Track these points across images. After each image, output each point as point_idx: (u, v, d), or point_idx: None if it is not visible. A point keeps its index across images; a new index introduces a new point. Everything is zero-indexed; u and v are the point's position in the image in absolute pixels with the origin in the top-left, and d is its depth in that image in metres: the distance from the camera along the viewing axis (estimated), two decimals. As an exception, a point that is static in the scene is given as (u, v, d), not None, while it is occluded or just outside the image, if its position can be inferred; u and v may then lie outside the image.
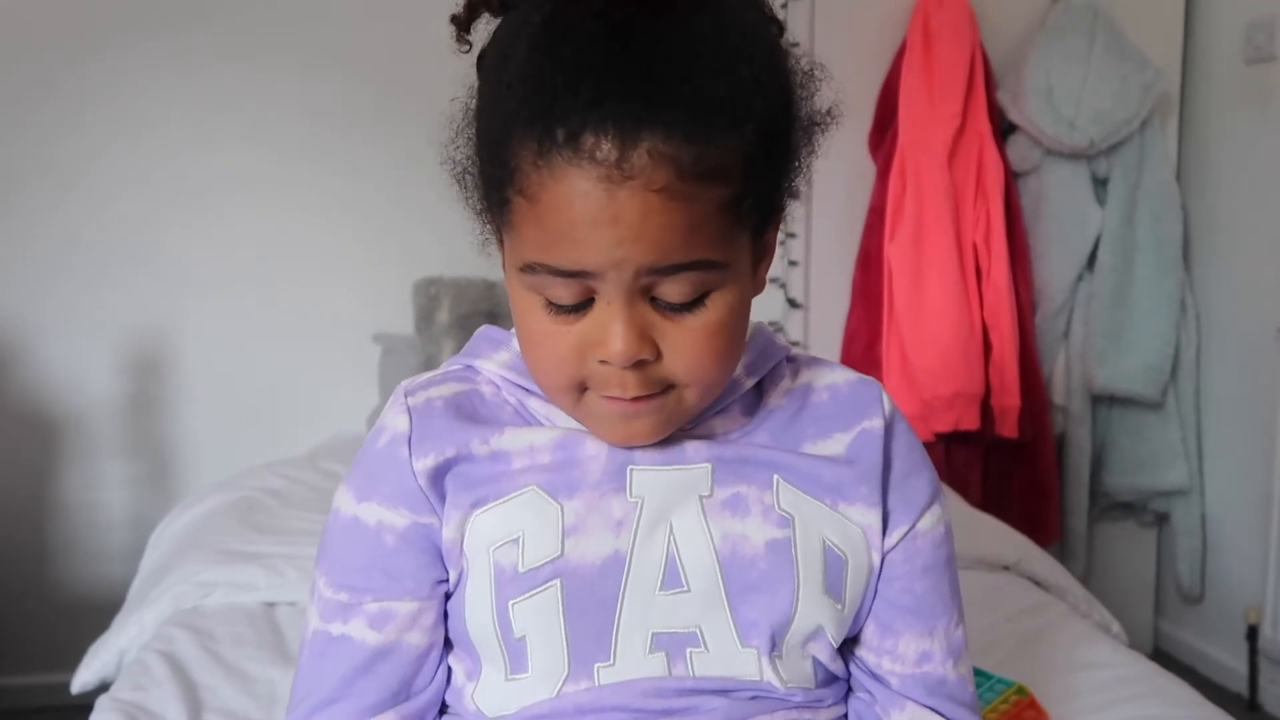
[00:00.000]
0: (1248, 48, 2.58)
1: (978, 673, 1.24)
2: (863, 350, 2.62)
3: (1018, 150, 2.65)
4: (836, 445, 0.81)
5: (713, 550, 0.76)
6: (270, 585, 1.57)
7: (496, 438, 0.77)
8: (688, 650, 0.76)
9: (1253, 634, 2.52)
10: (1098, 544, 2.86)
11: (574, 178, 0.63)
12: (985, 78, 2.58)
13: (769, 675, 0.77)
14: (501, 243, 0.74)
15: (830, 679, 0.83)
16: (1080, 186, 2.65)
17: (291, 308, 2.60)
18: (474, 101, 0.73)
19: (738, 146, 0.65)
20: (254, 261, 2.58)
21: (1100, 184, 2.68)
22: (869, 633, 0.83)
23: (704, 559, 0.76)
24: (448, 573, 0.78)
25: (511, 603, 0.75)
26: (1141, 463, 2.74)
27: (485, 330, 0.85)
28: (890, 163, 2.56)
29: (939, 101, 2.52)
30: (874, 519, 0.80)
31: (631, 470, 0.76)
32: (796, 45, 0.71)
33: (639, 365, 0.69)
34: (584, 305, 0.68)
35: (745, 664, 0.77)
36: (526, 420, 0.79)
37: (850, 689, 0.86)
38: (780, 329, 2.71)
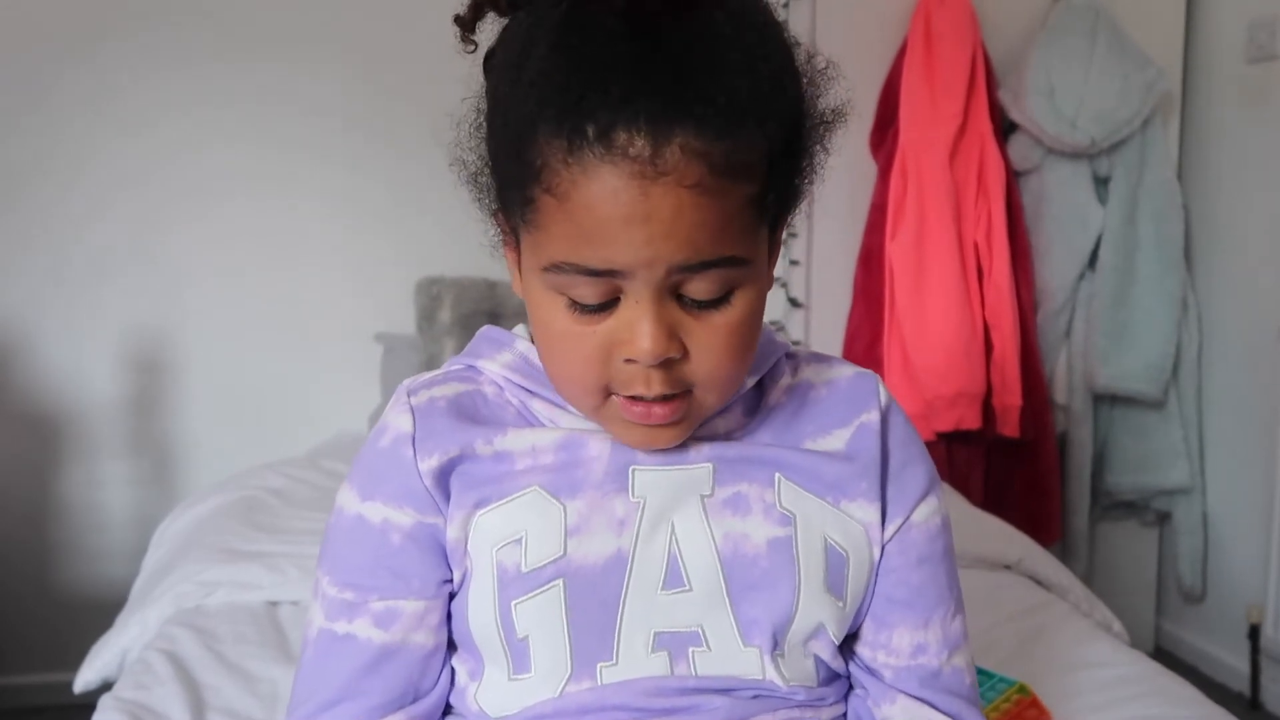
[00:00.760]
0: (1249, 47, 2.58)
1: (979, 671, 1.24)
2: (864, 349, 2.62)
3: (1019, 149, 2.65)
4: (836, 441, 0.81)
5: (714, 549, 0.77)
6: (273, 584, 1.58)
7: (500, 438, 0.77)
8: (690, 649, 0.76)
9: (1254, 633, 2.52)
10: (1099, 543, 2.86)
11: (607, 175, 0.63)
12: (986, 77, 2.58)
13: (771, 674, 0.77)
14: (517, 244, 0.73)
15: (832, 677, 0.83)
16: (1082, 186, 2.65)
17: (293, 307, 2.60)
18: (485, 102, 0.73)
19: (763, 143, 0.66)
20: (255, 261, 2.58)
21: (1102, 183, 2.68)
22: (864, 627, 0.83)
23: (706, 558, 0.76)
24: (452, 572, 0.78)
25: (514, 603, 0.75)
26: (1143, 462, 2.74)
27: (487, 331, 0.84)
28: (891, 162, 2.56)
29: (940, 101, 2.52)
30: (875, 514, 0.80)
31: (634, 470, 0.76)
32: (799, 44, 0.71)
33: (665, 363, 0.68)
34: (609, 305, 0.68)
35: (747, 663, 0.77)
36: (529, 421, 0.79)
37: (851, 687, 0.86)
38: (782, 328, 2.71)
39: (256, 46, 2.54)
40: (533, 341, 0.82)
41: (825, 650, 0.80)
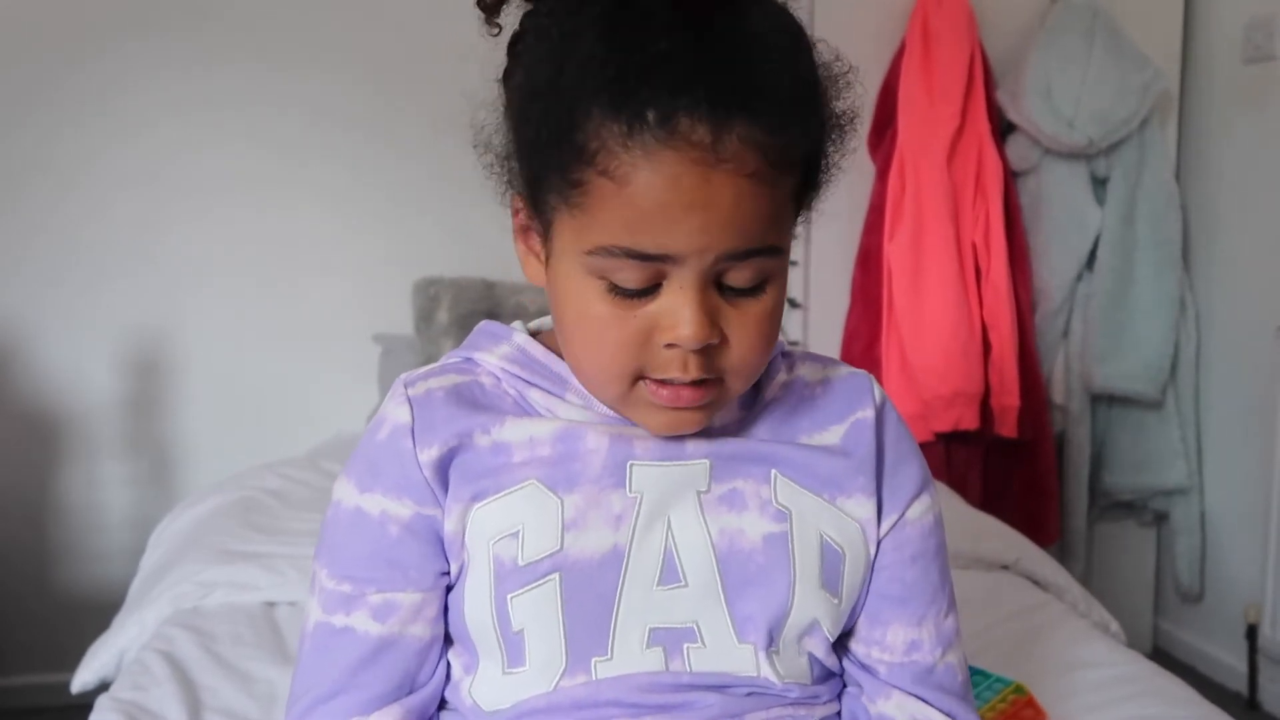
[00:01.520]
0: (1247, 47, 2.58)
1: (976, 671, 1.24)
2: (862, 350, 2.62)
3: (1017, 150, 2.65)
4: (832, 437, 0.82)
5: (710, 545, 0.77)
6: (270, 585, 1.58)
7: (497, 428, 0.77)
8: (685, 645, 0.77)
9: (1252, 633, 2.52)
10: (1097, 543, 2.86)
11: (669, 161, 0.64)
12: (984, 77, 2.58)
13: (766, 671, 0.77)
14: (544, 231, 0.72)
15: (826, 675, 0.83)
16: (1079, 186, 2.65)
17: (291, 307, 2.60)
18: (515, 89, 0.72)
19: (805, 139, 0.68)
20: (254, 261, 2.58)
21: (1099, 183, 2.69)
22: (859, 624, 0.84)
23: (701, 554, 0.77)
24: (449, 565, 0.78)
25: (510, 596, 0.75)
26: (1141, 462, 2.74)
27: (485, 325, 0.84)
28: (890, 162, 2.56)
29: (938, 101, 2.52)
30: (870, 511, 0.81)
31: (631, 465, 0.77)
32: (820, 43, 0.73)
33: (703, 349, 0.69)
34: (651, 290, 0.68)
35: (742, 659, 0.77)
36: (526, 411, 0.79)
37: (845, 685, 0.86)
38: (780, 329, 2.71)
39: (255, 48, 2.54)
40: (534, 335, 0.83)
41: (819, 648, 0.80)
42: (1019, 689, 1.22)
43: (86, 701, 1.35)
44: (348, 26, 2.58)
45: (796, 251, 2.65)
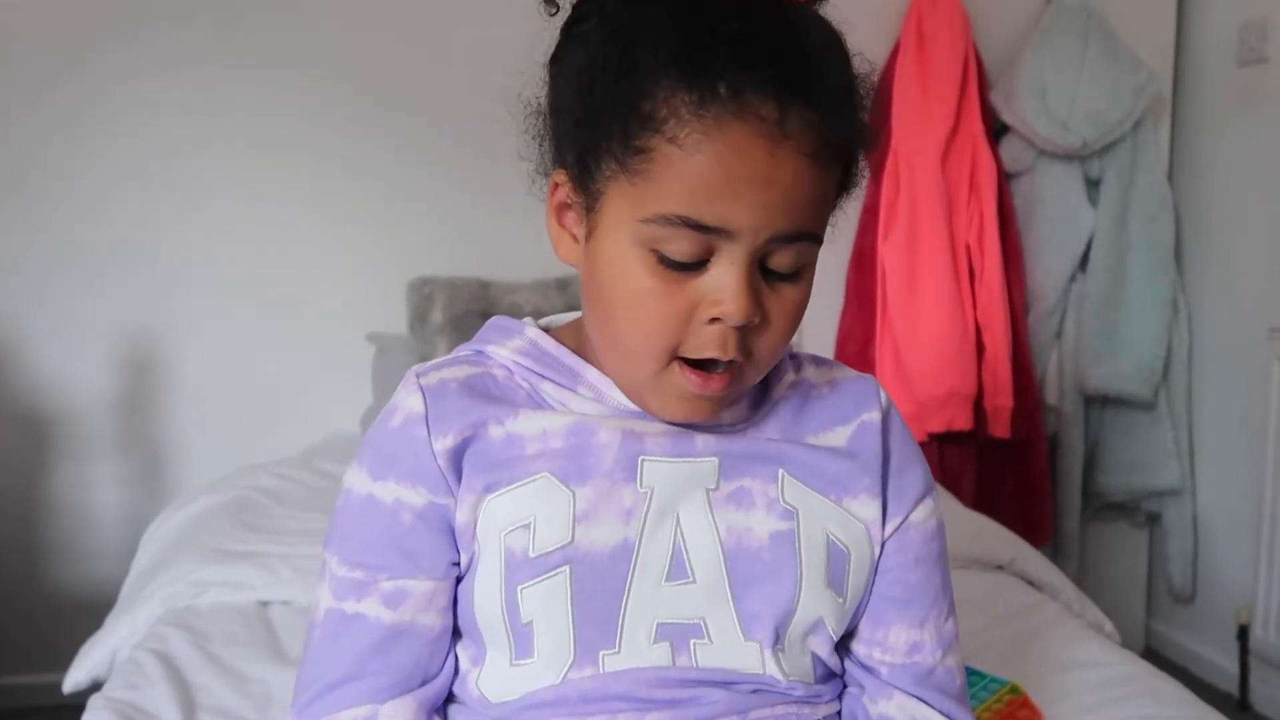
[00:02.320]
0: (1240, 49, 2.59)
1: (971, 672, 1.24)
2: (857, 350, 2.63)
3: (1011, 151, 2.66)
4: (838, 438, 0.83)
5: (718, 542, 0.77)
6: (264, 584, 1.57)
7: (511, 420, 0.77)
8: (691, 641, 0.77)
9: (1244, 634, 2.52)
10: (1090, 544, 2.87)
11: (738, 131, 0.66)
12: (979, 78, 2.58)
13: (771, 668, 0.78)
14: (595, 200, 0.72)
15: (828, 675, 0.84)
16: (1073, 187, 2.66)
17: (285, 307, 2.60)
18: (571, 64, 0.73)
19: (853, 131, 0.71)
20: (247, 261, 2.57)
21: (1093, 185, 2.69)
22: (861, 625, 0.84)
23: (709, 551, 0.77)
24: (460, 555, 0.78)
25: (521, 588, 0.75)
26: (1134, 463, 2.75)
27: (496, 320, 0.85)
28: (884, 163, 2.57)
29: (932, 102, 2.53)
30: (876, 512, 0.82)
31: (643, 460, 0.77)
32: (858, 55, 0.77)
33: (743, 327, 0.70)
34: (700, 265, 0.70)
35: (748, 656, 0.78)
36: (539, 404, 0.80)
37: (845, 686, 0.87)
38: None
39: (250, 51, 2.53)
40: (546, 330, 0.84)
41: (823, 647, 0.81)
42: (1014, 689, 1.22)
43: (78, 701, 1.34)
44: (343, 29, 2.57)
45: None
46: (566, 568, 0.75)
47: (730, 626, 0.77)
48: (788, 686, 0.78)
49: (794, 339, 0.87)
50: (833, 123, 0.68)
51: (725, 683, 0.77)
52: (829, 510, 0.80)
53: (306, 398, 2.61)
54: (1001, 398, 2.55)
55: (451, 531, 0.78)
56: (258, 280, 2.58)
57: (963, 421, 2.53)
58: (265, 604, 1.57)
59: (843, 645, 0.85)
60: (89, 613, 2.10)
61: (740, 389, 0.75)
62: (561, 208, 0.77)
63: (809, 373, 0.86)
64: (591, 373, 0.80)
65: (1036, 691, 1.25)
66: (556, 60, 0.76)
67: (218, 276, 2.56)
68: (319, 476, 2.06)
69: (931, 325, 2.52)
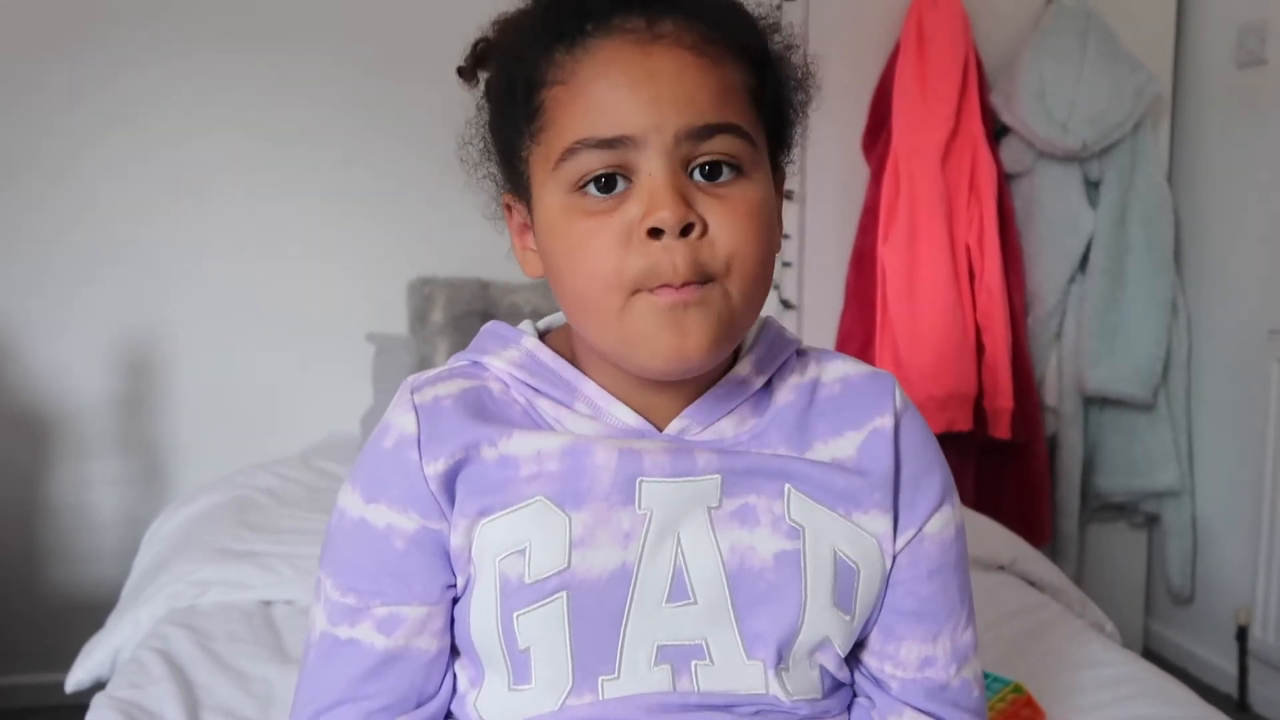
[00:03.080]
0: (1239, 51, 2.60)
1: (975, 671, 1.24)
2: (856, 351, 2.63)
3: (1010, 152, 2.66)
4: (848, 445, 0.79)
5: (720, 562, 0.75)
6: (266, 583, 1.57)
7: (505, 440, 0.76)
8: (693, 663, 0.75)
9: (1243, 635, 2.53)
10: (1089, 545, 2.87)
11: (608, 47, 0.68)
12: (978, 80, 2.59)
13: (774, 689, 0.76)
14: (527, 191, 0.75)
15: (836, 687, 0.82)
16: (1072, 189, 2.66)
17: (285, 307, 2.59)
18: (485, 89, 0.78)
19: (748, 42, 0.72)
20: (247, 259, 2.57)
21: (1092, 186, 2.70)
22: (872, 637, 0.82)
23: (711, 571, 0.75)
24: (455, 578, 0.77)
25: (517, 614, 0.74)
26: (1133, 464, 2.75)
27: (493, 326, 0.83)
28: (884, 164, 2.57)
29: (932, 103, 2.53)
30: (887, 525, 0.79)
31: (641, 482, 0.75)
32: None
33: (688, 234, 0.68)
34: (623, 189, 0.69)
35: (751, 677, 0.76)
36: (535, 422, 0.78)
37: (855, 695, 0.85)
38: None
39: (249, 43, 2.53)
40: (540, 338, 0.82)
41: (831, 661, 0.79)
42: (1018, 688, 1.23)
43: (79, 701, 1.34)
44: (343, 22, 2.57)
45: (791, 253, 2.68)
46: (563, 594, 0.74)
47: (732, 647, 0.76)
48: (791, 706, 0.77)
49: (797, 337, 0.86)
50: (710, 20, 0.69)
51: (726, 706, 0.76)
52: (838, 525, 0.77)
53: (306, 398, 2.61)
54: (1001, 399, 2.55)
55: (446, 555, 0.76)
56: (257, 279, 2.58)
57: (963, 423, 2.53)
58: (268, 603, 1.57)
59: (853, 656, 0.84)
60: (88, 613, 2.10)
61: (727, 311, 0.70)
62: (521, 229, 0.78)
63: (817, 370, 0.83)
64: (589, 386, 0.78)
65: (1040, 691, 1.25)
66: (481, 107, 0.79)
67: (217, 276, 2.56)
68: (319, 476, 2.06)
69: (931, 326, 2.52)
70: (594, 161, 0.68)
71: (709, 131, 0.68)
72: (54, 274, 2.48)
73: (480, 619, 0.76)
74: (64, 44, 2.45)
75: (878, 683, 0.83)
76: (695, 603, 0.75)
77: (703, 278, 0.69)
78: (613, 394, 0.78)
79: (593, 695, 0.74)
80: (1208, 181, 2.73)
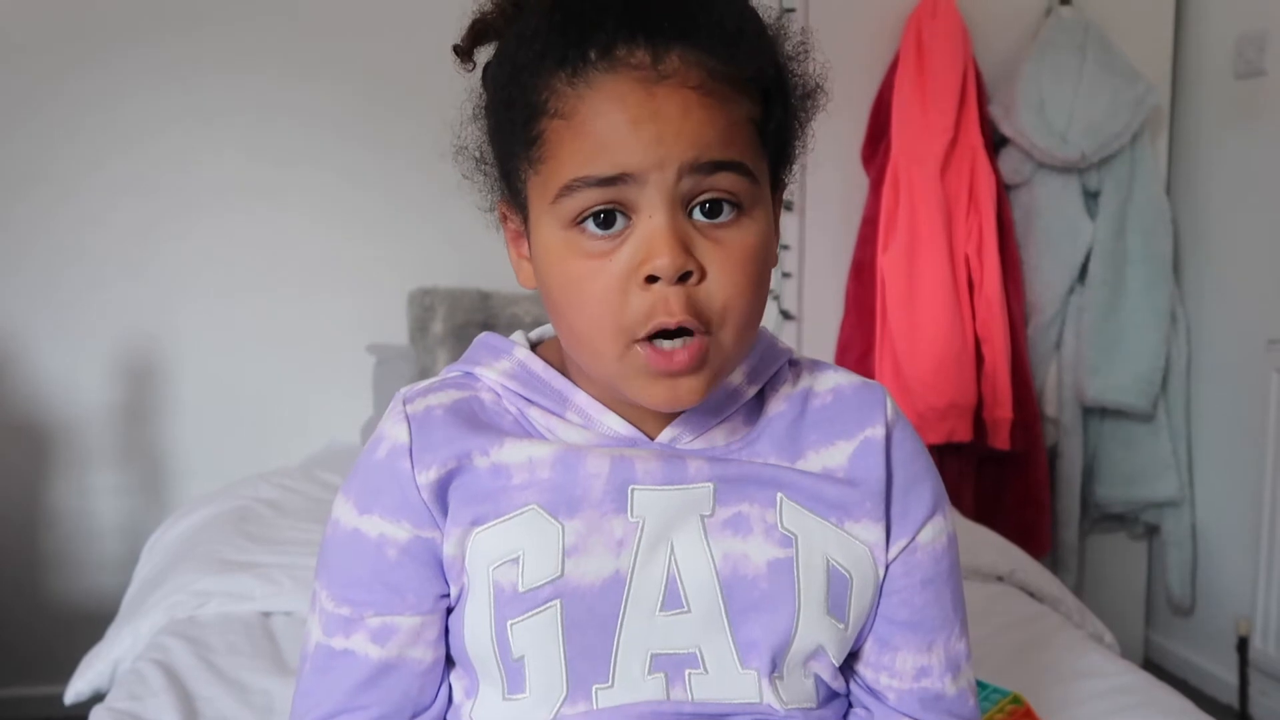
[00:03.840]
0: (1238, 62, 2.60)
1: (974, 682, 1.24)
2: (856, 361, 2.63)
3: (1010, 163, 2.67)
4: (839, 455, 0.79)
5: (713, 570, 0.75)
6: (266, 595, 1.57)
7: (496, 449, 0.76)
8: (686, 672, 0.75)
9: (1243, 645, 2.52)
10: (1089, 555, 2.87)
11: (611, 84, 0.66)
12: (978, 91, 2.59)
13: (769, 697, 0.76)
14: (524, 219, 0.74)
15: (831, 696, 0.82)
16: (1071, 199, 2.67)
17: (286, 317, 2.60)
18: (485, 104, 0.76)
19: (757, 72, 0.69)
20: (248, 271, 2.58)
21: (1091, 197, 2.70)
22: (867, 648, 0.82)
23: (705, 579, 0.75)
24: (449, 587, 0.77)
25: (510, 623, 0.74)
26: (1132, 474, 2.75)
27: (485, 338, 0.83)
28: (883, 175, 2.57)
29: (932, 114, 2.54)
30: (879, 535, 0.79)
31: (633, 490, 0.75)
32: (793, 10, 0.76)
33: (684, 282, 0.68)
34: (622, 229, 0.68)
35: (745, 686, 0.76)
36: (527, 431, 0.78)
37: (850, 705, 0.85)
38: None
39: (252, 59, 2.54)
40: (532, 349, 0.82)
41: (825, 670, 0.79)
42: (1016, 699, 1.23)
43: (79, 713, 1.34)
44: (345, 37, 2.58)
45: (790, 264, 2.68)
46: (557, 602, 0.74)
47: (726, 655, 0.76)
48: (785, 715, 0.77)
49: (790, 347, 0.86)
50: (721, 54, 0.67)
51: (721, 715, 0.76)
52: (830, 534, 0.77)
53: (307, 408, 2.61)
54: (1001, 409, 2.56)
55: (439, 565, 0.77)
56: (258, 290, 2.58)
57: (962, 433, 2.53)
58: (267, 615, 1.57)
59: (848, 666, 0.84)
60: (89, 623, 2.10)
61: (718, 360, 0.71)
62: (516, 237, 0.78)
63: (810, 380, 0.83)
64: (580, 396, 0.78)
65: (1038, 702, 1.25)
66: (484, 99, 0.77)
67: (219, 286, 2.56)
68: (319, 487, 2.06)
69: (931, 336, 2.52)
70: (593, 198, 0.68)
71: (712, 168, 0.67)
72: (60, 287, 2.49)
73: (474, 628, 0.76)
74: (74, 64, 2.46)
75: (874, 693, 0.83)
76: (689, 611, 0.75)
77: (697, 323, 0.69)
78: (604, 404, 0.78)
79: (587, 704, 0.75)
80: (1207, 192, 2.73)
